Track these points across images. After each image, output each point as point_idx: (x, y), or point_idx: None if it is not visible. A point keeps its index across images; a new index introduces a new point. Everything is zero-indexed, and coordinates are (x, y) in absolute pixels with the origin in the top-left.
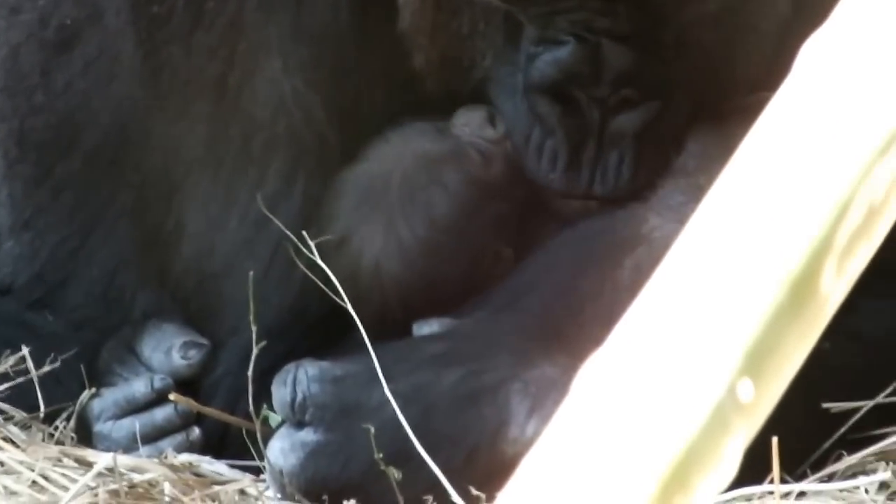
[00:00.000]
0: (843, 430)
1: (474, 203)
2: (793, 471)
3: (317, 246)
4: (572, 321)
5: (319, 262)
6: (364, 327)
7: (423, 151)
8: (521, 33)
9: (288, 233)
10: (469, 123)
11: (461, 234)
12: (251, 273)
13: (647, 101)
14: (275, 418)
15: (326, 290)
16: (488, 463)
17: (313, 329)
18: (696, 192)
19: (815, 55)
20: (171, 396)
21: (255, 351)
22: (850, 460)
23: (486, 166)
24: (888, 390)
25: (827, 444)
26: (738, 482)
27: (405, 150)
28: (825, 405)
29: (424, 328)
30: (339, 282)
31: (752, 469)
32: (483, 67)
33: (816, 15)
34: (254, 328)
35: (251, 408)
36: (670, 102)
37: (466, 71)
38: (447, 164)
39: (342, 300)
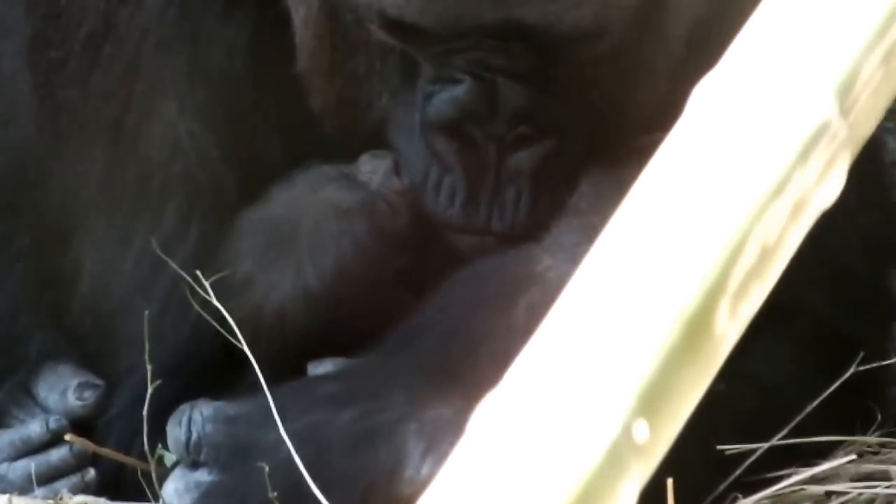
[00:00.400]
0: (737, 472)
1: (382, 256)
2: None
3: (217, 286)
4: (467, 361)
5: (215, 302)
6: (261, 368)
7: (333, 200)
8: (417, 72)
9: (183, 273)
10: (376, 172)
11: (368, 285)
12: (146, 313)
13: (544, 139)
14: (170, 458)
15: (222, 330)
16: (384, 502)
17: (209, 369)
18: (590, 233)
19: (708, 96)
20: (67, 437)
21: (149, 391)
22: (745, 503)
23: (394, 218)
24: (783, 433)
25: (722, 487)
26: None
27: (315, 197)
28: (720, 447)
29: (319, 368)
30: (241, 323)
31: None
32: (381, 107)
33: (710, 55)
34: (148, 368)
35: (146, 448)
36: (566, 140)
37: (364, 111)
38: (358, 215)
39: (238, 340)
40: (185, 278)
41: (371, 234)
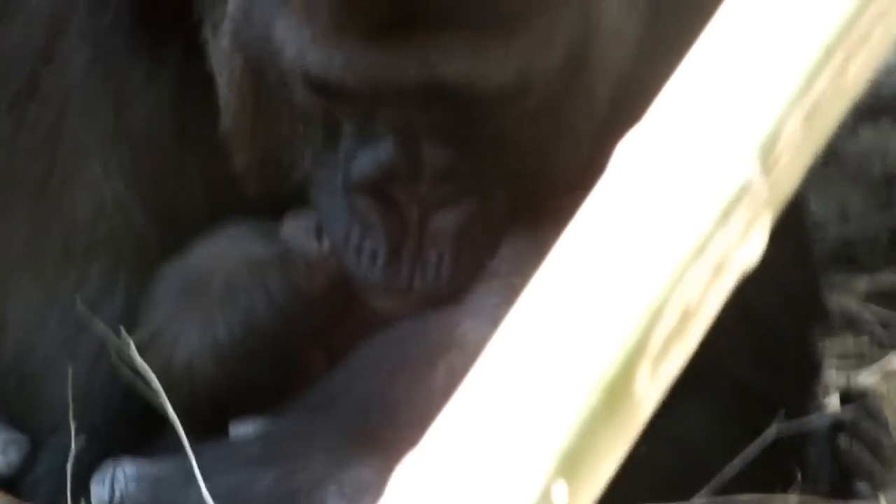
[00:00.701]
0: None
1: (294, 312)
2: None
3: (139, 343)
4: (387, 423)
5: (138, 361)
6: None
7: (249, 254)
8: (340, 133)
9: (106, 330)
10: (297, 232)
11: (278, 340)
12: (70, 371)
13: (466, 199)
14: None
15: (145, 391)
16: None
17: (133, 427)
18: (510, 294)
19: (629, 155)
20: None
21: (73, 449)
22: None
23: (310, 278)
24: (701, 492)
25: None
26: None
27: (231, 249)
28: None
29: (241, 428)
30: (154, 375)
31: None
32: (304, 168)
33: (632, 115)
34: (72, 426)
35: None
36: (489, 200)
37: (287, 171)
38: (272, 270)
39: (161, 400)
40: (109, 337)
41: (284, 291)
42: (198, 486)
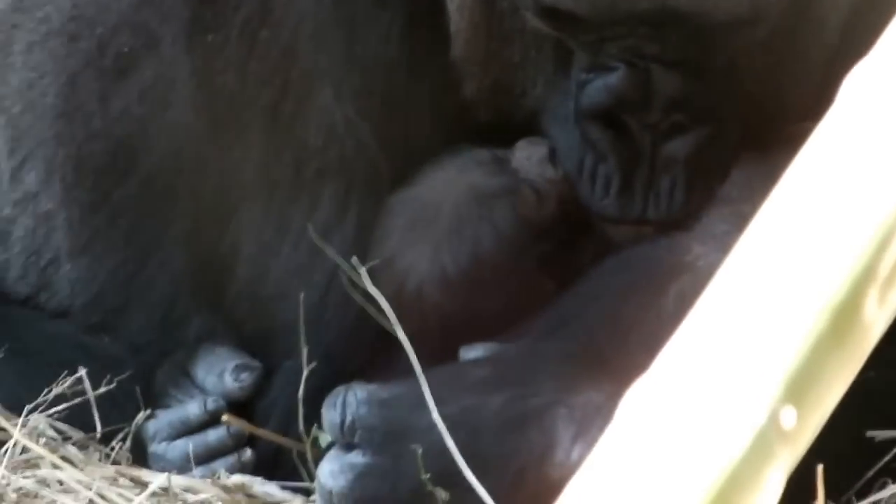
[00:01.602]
0: (887, 458)
1: (522, 243)
2: (837, 499)
3: (372, 269)
4: (616, 348)
5: (371, 289)
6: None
7: (477, 185)
8: (571, 60)
9: (338, 259)
10: (530, 158)
11: (505, 271)
12: (302, 297)
13: (697, 127)
14: (325, 439)
15: (377, 316)
16: (534, 486)
17: (363, 351)
18: (740, 221)
19: (859, 85)
20: (224, 418)
21: (304, 373)
22: (894, 488)
23: (539, 206)
24: None
25: (871, 473)
26: None
27: (459, 180)
28: (870, 433)
29: (471, 353)
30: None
31: (796, 497)
32: (534, 95)
33: (863, 45)
34: (304, 350)
35: (302, 429)
36: (720, 128)
37: (518, 99)
38: (499, 201)
39: (392, 326)
40: (341, 263)
41: (511, 222)
42: (428, 409)
